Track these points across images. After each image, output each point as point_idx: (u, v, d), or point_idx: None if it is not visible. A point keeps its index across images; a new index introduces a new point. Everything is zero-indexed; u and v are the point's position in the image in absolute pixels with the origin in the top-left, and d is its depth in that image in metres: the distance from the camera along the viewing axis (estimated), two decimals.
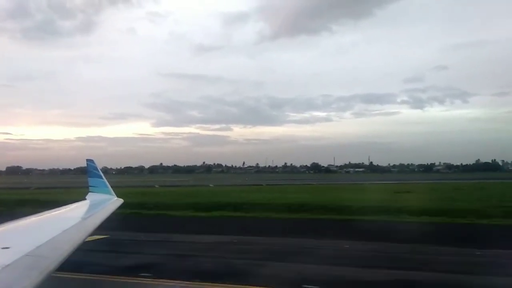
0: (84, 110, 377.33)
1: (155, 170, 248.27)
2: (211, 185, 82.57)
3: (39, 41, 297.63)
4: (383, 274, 15.47)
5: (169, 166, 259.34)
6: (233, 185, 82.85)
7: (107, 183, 14.49)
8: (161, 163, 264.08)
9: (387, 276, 15.23)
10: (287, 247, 20.56)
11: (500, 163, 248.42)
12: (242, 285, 13.69)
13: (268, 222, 29.43)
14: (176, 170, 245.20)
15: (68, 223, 7.28)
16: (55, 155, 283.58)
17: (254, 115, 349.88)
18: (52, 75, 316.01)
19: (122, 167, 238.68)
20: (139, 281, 14.37)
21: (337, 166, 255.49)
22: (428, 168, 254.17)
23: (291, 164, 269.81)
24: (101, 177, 14.83)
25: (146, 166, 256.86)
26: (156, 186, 79.85)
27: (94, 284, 14.56)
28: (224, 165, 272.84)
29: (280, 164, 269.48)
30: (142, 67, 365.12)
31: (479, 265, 16.94)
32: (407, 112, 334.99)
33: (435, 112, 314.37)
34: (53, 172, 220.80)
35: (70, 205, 10.38)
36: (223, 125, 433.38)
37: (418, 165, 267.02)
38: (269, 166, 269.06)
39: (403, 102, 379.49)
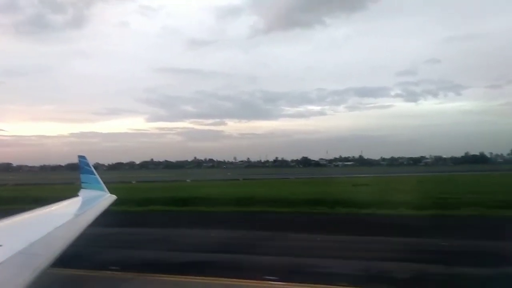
0: (78, 106, 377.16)
1: (146, 165, 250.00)
2: (188, 180, 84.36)
3: (30, 35, 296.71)
4: (188, 256, 17.29)
5: (160, 162, 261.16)
6: (208, 180, 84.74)
7: (99, 179, 14.42)
8: (151, 159, 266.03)
9: (186, 258, 16.99)
10: (153, 237, 22.14)
11: (488, 155, 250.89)
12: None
13: (193, 215, 31.15)
14: (167, 165, 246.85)
15: (61, 220, 7.33)
16: (48, 152, 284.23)
17: (248, 109, 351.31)
18: (44, 70, 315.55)
19: (115, 163, 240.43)
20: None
21: (326, 160, 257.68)
22: (417, 161, 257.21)
23: (282, 158, 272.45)
24: (93, 173, 14.78)
25: (141, 162, 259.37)
26: (133, 182, 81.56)
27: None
28: (216, 160, 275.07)
29: (273, 158, 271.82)
30: (136, 62, 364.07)
31: (297, 248, 19.08)
32: (400, 105, 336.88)
33: (429, 105, 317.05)
34: (43, 169, 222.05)
35: (62, 201, 10.36)
36: (218, 120, 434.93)
37: (408, 158, 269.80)
38: (260, 160, 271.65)
39: (396, 95, 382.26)
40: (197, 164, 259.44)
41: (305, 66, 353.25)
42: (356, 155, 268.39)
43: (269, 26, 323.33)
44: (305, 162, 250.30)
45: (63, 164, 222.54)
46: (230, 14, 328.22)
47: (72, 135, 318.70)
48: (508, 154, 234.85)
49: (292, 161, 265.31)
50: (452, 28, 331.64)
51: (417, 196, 36.35)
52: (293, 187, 55.08)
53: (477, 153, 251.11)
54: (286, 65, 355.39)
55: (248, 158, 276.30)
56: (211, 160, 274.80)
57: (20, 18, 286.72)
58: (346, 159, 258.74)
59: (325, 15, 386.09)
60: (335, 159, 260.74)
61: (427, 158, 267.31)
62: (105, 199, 12.27)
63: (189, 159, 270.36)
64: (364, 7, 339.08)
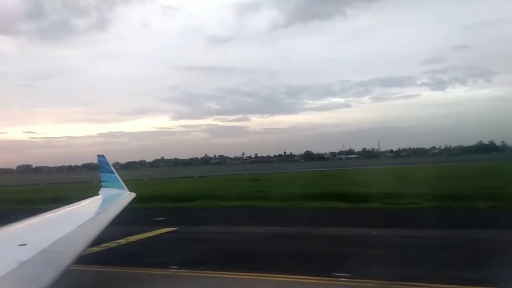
0: (104, 107, 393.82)
1: (156, 164, 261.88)
2: (145, 179, 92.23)
3: (56, 40, 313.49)
4: None
5: (170, 160, 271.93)
6: (165, 178, 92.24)
7: (118, 178, 14.85)
8: (162, 157, 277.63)
9: None
10: None
11: (498, 144, 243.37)
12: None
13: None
14: (176, 163, 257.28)
15: (83, 218, 7.45)
16: (78, 152, 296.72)
17: (271, 104, 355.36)
18: (71, 73, 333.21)
19: (126, 162, 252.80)
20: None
21: (331, 153, 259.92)
22: (425, 152, 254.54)
23: (291, 152, 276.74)
24: (112, 172, 15.18)
25: (153, 160, 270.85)
26: (95, 181, 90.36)
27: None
28: (226, 156, 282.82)
29: (299, 152, 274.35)
30: (158, 61, 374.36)
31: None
32: (427, 94, 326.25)
33: (457, 93, 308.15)
34: (60, 170, 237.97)
35: (83, 200, 10.82)
36: (241, 116, 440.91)
37: (420, 148, 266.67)
38: (268, 155, 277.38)
39: (423, 84, 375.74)
40: (204, 161, 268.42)
41: (327, 58, 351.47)
42: (376, 147, 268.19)
43: (289, 20, 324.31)
44: (308, 156, 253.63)
45: (79, 164, 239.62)
46: (249, 9, 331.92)
47: (100, 135, 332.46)
48: None
49: (300, 155, 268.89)
50: (479, 13, 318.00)
51: (315, 188, 39.03)
52: (200, 184, 61.21)
53: (487, 142, 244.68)
54: (307, 58, 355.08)
55: (256, 154, 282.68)
56: (221, 157, 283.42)
57: (46, 24, 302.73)
58: (351, 152, 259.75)
59: (345, 5, 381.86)
60: (341, 152, 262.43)
61: (436, 149, 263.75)
62: (125, 197, 12.56)
63: (199, 156, 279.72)
64: None
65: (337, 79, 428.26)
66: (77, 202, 10.13)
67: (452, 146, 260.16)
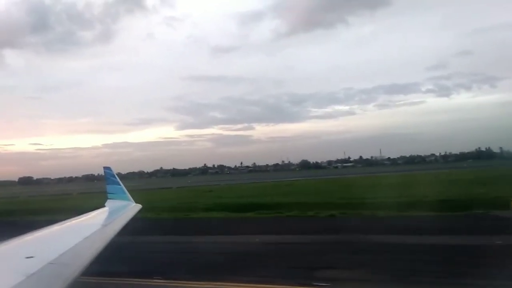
0: (110, 117, 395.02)
1: (155, 174, 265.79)
2: None
3: (62, 52, 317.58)
4: None
5: (169, 170, 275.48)
6: (144, 189, 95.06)
7: (125, 189, 14.96)
8: (161, 167, 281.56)
9: None
10: None
11: (495, 150, 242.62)
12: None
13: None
14: (173, 173, 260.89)
15: (89, 230, 7.54)
16: (83, 163, 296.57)
17: (276, 112, 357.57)
18: (77, 85, 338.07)
19: (126, 173, 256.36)
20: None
21: (327, 161, 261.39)
22: (422, 159, 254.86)
23: (289, 161, 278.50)
24: (118, 184, 15.22)
25: (153, 170, 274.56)
26: (75, 193, 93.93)
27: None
28: (226, 165, 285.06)
29: (299, 160, 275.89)
30: (163, 72, 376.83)
31: None
32: (432, 101, 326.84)
33: (462, 99, 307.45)
34: (61, 181, 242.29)
35: (90, 212, 10.83)
36: (246, 125, 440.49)
37: (418, 155, 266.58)
38: (266, 165, 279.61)
39: (428, 91, 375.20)
40: (202, 171, 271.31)
41: (331, 66, 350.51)
42: (372, 155, 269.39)
43: (292, 29, 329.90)
44: (305, 165, 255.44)
45: (80, 175, 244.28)
46: (252, 19, 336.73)
47: (106, 146, 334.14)
48: None
49: (296, 164, 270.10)
50: (482, 18, 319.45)
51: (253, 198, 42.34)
52: (156, 196, 63.76)
53: (484, 149, 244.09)
54: (311, 67, 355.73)
55: (254, 163, 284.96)
56: (220, 166, 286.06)
57: (51, 37, 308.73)
58: (347, 161, 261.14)
59: (348, 14, 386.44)
60: (337, 161, 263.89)
61: (434, 155, 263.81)
62: (131, 208, 12.68)
63: (211, 165, 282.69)
64: (387, 3, 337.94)
65: (342, 87, 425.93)
66: (84, 214, 10.30)
67: (452, 153, 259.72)
